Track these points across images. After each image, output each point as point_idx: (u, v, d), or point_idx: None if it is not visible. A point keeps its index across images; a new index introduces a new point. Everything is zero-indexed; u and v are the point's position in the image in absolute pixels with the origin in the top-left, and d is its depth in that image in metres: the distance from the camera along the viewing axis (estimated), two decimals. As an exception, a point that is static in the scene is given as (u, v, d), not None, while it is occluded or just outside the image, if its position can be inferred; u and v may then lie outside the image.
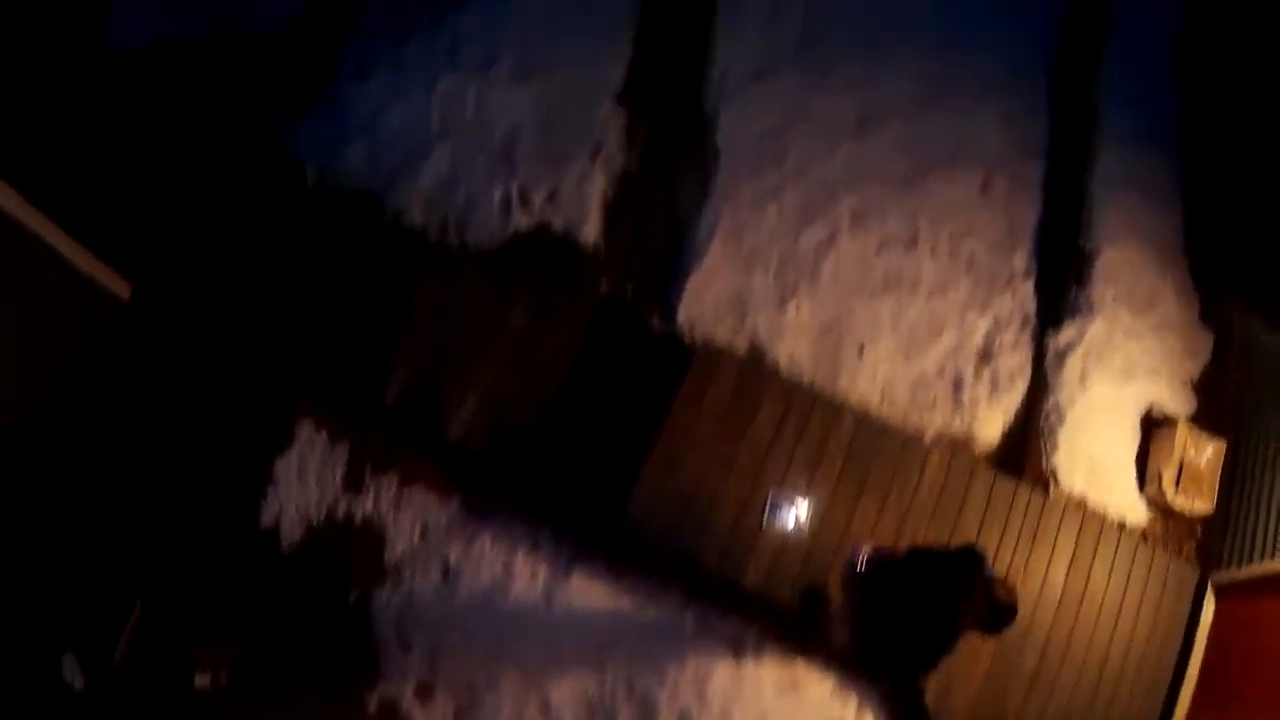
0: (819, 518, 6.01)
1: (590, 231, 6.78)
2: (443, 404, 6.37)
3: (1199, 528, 6.44)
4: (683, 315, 6.59)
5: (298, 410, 6.38)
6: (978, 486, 6.11)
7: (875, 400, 6.51)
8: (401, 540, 6.18)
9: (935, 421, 6.51)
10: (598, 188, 6.87)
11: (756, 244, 6.77)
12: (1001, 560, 5.97)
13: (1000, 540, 6.04)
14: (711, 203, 6.84)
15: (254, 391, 6.41)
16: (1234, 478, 6.37)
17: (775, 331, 6.60)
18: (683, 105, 7.19)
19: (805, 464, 6.09)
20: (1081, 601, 5.99)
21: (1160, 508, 6.41)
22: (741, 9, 7.37)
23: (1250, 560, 5.93)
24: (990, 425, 6.53)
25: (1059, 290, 6.87)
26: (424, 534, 6.19)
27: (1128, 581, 6.03)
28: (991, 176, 7.06)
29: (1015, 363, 6.65)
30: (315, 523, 6.21)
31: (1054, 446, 6.43)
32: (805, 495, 6.02)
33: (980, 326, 6.70)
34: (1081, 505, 6.28)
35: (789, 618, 6.02)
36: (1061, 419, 6.49)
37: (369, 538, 6.18)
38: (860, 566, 5.11)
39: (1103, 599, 5.99)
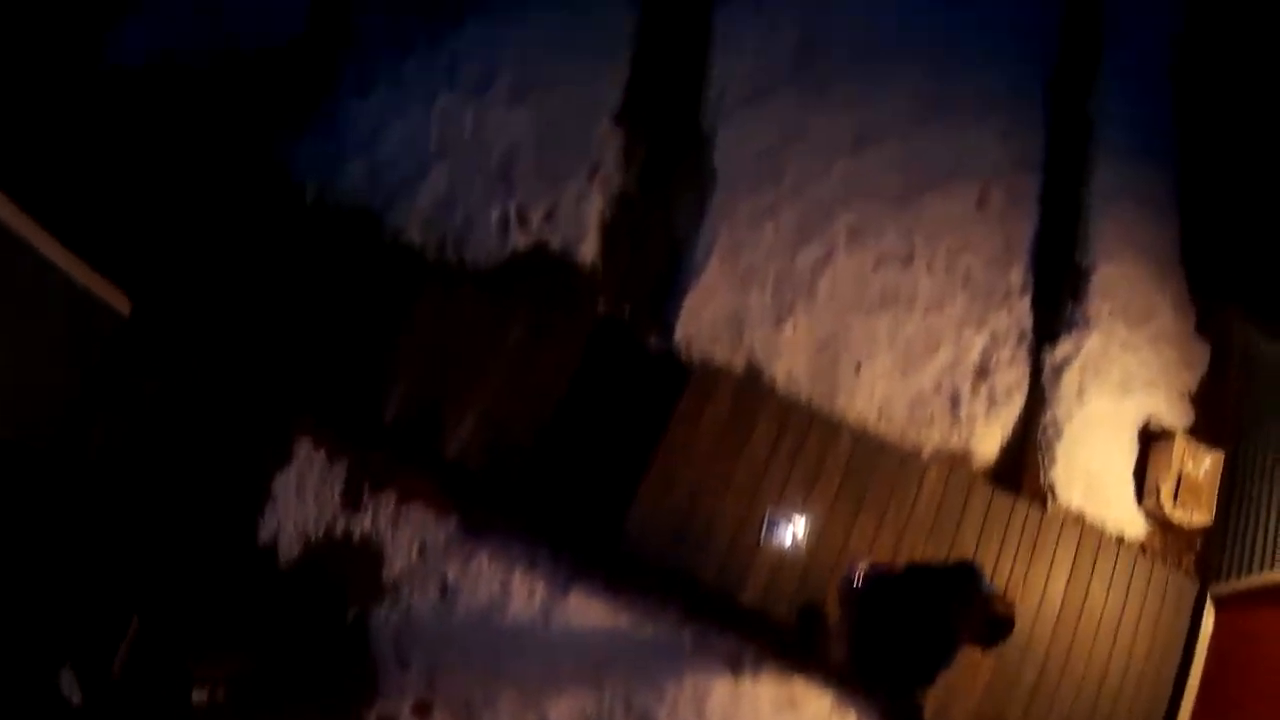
0: (816, 535, 6.00)
1: (588, 251, 6.81)
2: (441, 422, 6.38)
3: (1198, 540, 6.43)
4: (680, 334, 6.61)
5: (297, 428, 6.40)
6: (975, 502, 6.10)
7: (872, 417, 6.53)
8: (399, 558, 6.19)
9: (933, 438, 6.52)
10: (595, 207, 6.90)
11: (753, 262, 6.80)
12: (1000, 575, 5.96)
13: (998, 555, 6.02)
14: (709, 221, 6.88)
15: (253, 408, 6.43)
16: (1233, 488, 6.36)
17: (772, 349, 6.61)
18: (680, 125, 7.23)
19: (802, 481, 6.09)
20: (1080, 615, 5.97)
21: (1159, 520, 6.41)
22: (738, 28, 7.42)
23: (1250, 571, 5.92)
24: (988, 441, 6.54)
25: (1056, 305, 6.89)
26: (422, 552, 6.20)
27: (1126, 595, 6.01)
28: (988, 192, 7.09)
29: (1012, 378, 6.66)
30: (314, 540, 6.22)
31: (1051, 461, 6.44)
32: (802, 512, 6.02)
33: (977, 342, 6.72)
34: (1080, 519, 6.27)
35: (787, 635, 6.00)
36: (1059, 433, 6.49)
37: (367, 555, 6.19)
38: (857, 582, 5.11)
39: (1102, 613, 5.98)
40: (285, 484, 6.29)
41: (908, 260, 6.88)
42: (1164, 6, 7.73)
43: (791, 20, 7.45)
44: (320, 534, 6.22)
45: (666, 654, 6.09)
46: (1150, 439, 6.58)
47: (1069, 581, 6.02)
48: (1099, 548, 6.11)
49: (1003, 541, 6.05)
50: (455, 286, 6.68)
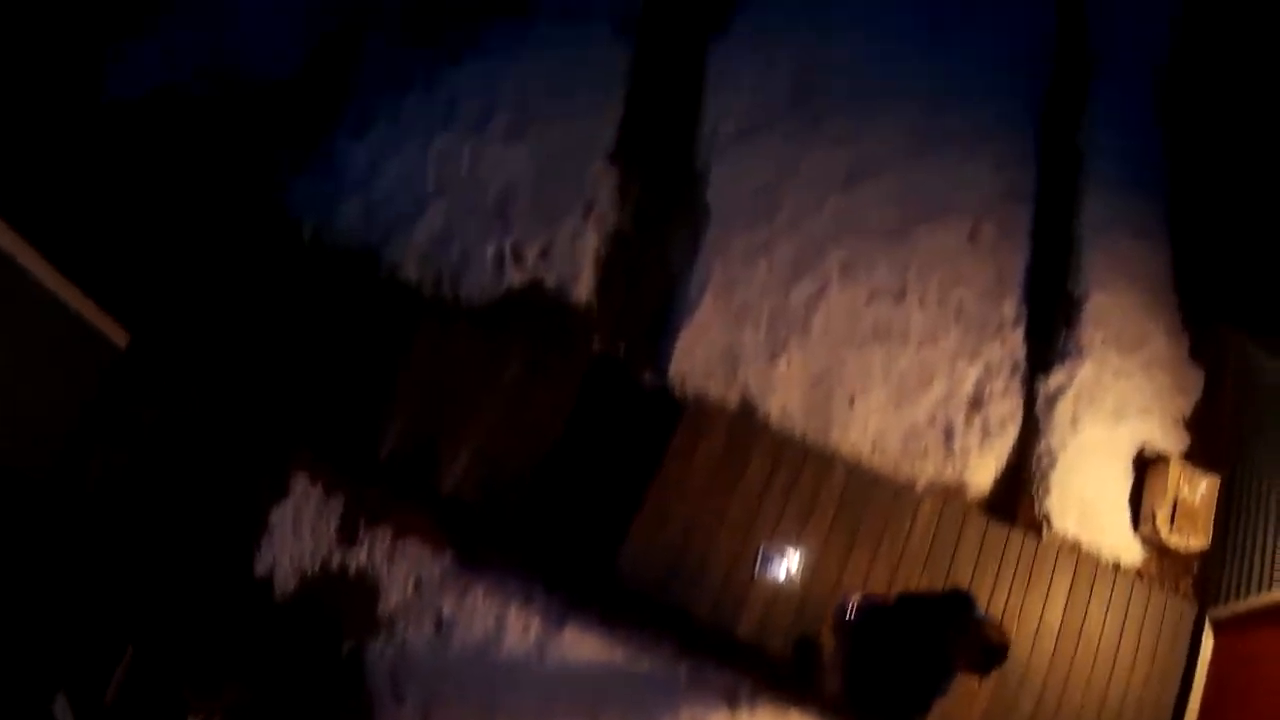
0: (811, 568, 5.99)
1: (583, 289, 6.88)
2: (437, 458, 6.41)
3: (1195, 564, 6.42)
4: (674, 370, 6.65)
5: (294, 462, 6.43)
6: (970, 533, 6.09)
7: (867, 451, 6.54)
8: (395, 592, 6.19)
9: (927, 470, 6.53)
10: (590, 245, 6.98)
11: (747, 299, 6.86)
12: (996, 605, 5.93)
13: (994, 586, 6.00)
14: (702, 258, 6.95)
15: (250, 441, 6.47)
16: (1230, 511, 6.36)
17: (766, 385, 6.65)
18: (675, 162, 7.33)
19: (797, 516, 6.09)
20: (1078, 643, 5.93)
21: (1155, 546, 6.40)
22: (733, 65, 7.57)
23: (1249, 593, 5.89)
24: (982, 472, 6.54)
25: (1048, 335, 6.93)
26: (417, 586, 6.20)
27: (1124, 621, 5.98)
28: (980, 225, 7.16)
29: (1006, 409, 6.68)
30: (309, 573, 6.23)
31: (1046, 490, 6.45)
32: (797, 546, 6.01)
33: (970, 375, 6.75)
34: (1075, 547, 6.27)
35: (782, 668, 5.97)
36: (1053, 463, 6.51)
37: (363, 589, 6.19)
38: (850, 614, 5.11)
39: (1099, 640, 5.94)
40: (282, 517, 6.31)
41: (900, 294, 6.93)
42: (1151, 40, 7.87)
43: (786, 57, 7.59)
44: (316, 567, 6.23)
45: (662, 688, 6.06)
46: (1145, 465, 6.59)
47: (1066, 610, 5.99)
48: (1095, 575, 6.08)
49: (998, 572, 6.03)
50: (451, 323, 6.74)
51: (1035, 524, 6.38)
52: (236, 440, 6.48)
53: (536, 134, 7.23)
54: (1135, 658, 5.93)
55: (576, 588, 6.21)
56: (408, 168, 7.09)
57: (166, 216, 6.92)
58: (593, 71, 7.46)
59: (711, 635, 6.00)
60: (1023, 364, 6.81)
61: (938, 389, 6.70)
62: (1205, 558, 6.39)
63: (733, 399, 6.61)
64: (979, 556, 6.05)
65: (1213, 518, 6.27)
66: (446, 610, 6.14)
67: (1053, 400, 6.67)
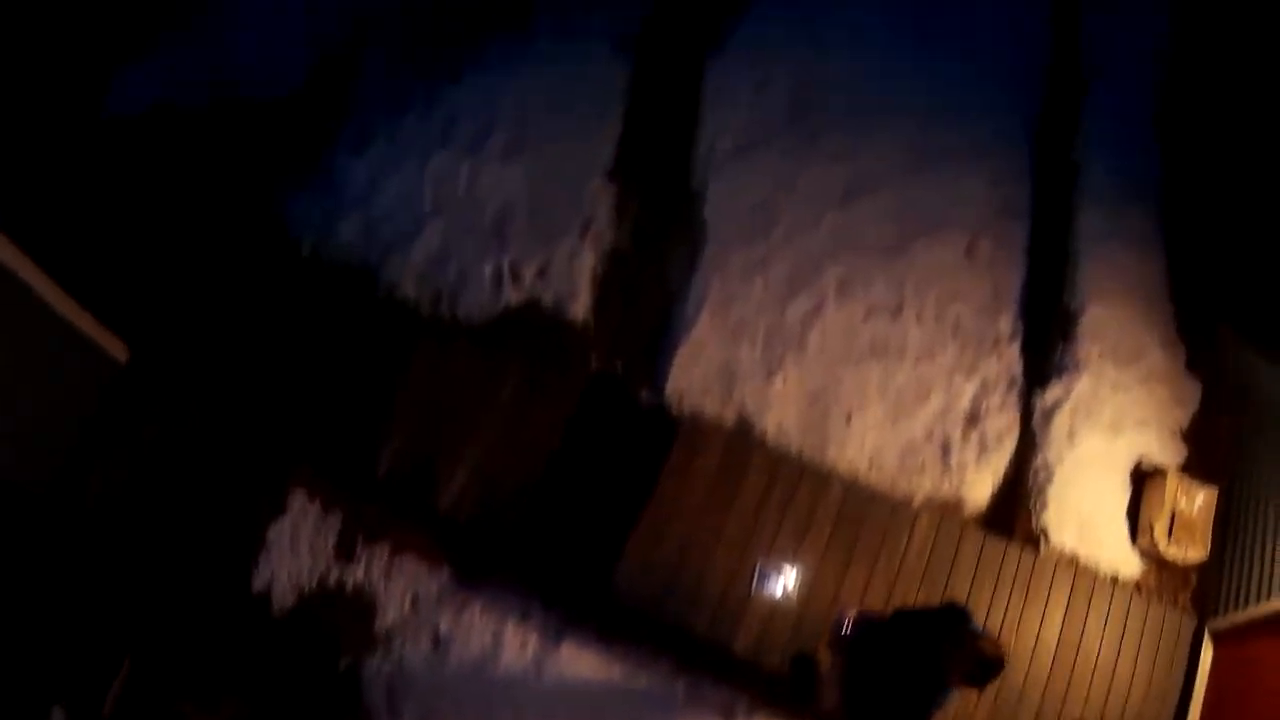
0: (808, 585, 5.99)
1: (580, 307, 6.91)
2: (435, 476, 6.43)
3: (1194, 576, 6.40)
4: (671, 388, 6.67)
5: (292, 479, 6.46)
6: (967, 548, 6.08)
7: (864, 467, 6.55)
8: (392, 609, 6.20)
9: (924, 486, 6.53)
10: (588, 263, 7.02)
11: (744, 316, 6.88)
12: (994, 620, 5.92)
13: (992, 601, 5.99)
14: (699, 275, 6.98)
15: (249, 458, 6.51)
16: (1228, 521, 6.35)
17: (763, 402, 6.67)
18: (673, 179, 7.37)
19: (794, 532, 6.10)
20: (1077, 657, 5.91)
21: (1154, 559, 6.39)
22: (730, 82, 7.62)
23: (1248, 604, 5.86)
24: (979, 487, 6.54)
25: (1045, 349, 6.93)
26: (415, 603, 6.21)
27: (1123, 635, 5.96)
28: (977, 240, 7.18)
29: (1003, 424, 6.67)
30: (307, 590, 6.25)
31: (1043, 505, 6.44)
32: (794, 563, 6.01)
33: (967, 390, 6.75)
34: (1073, 561, 6.26)
35: (780, 684, 5.95)
36: (1050, 477, 6.51)
37: (360, 606, 6.21)
38: (846, 629, 5.10)
39: (1098, 654, 5.92)
40: (280, 533, 6.33)
41: (897, 310, 6.95)
42: (1145, 54, 7.90)
43: (783, 74, 7.65)
44: (314, 584, 6.25)
45: (660, 705, 6.06)
46: (1143, 477, 6.58)
47: (1064, 623, 5.98)
48: (1093, 589, 6.07)
49: (996, 587, 6.02)
50: (449, 341, 6.78)
51: (1033, 538, 6.38)
52: (235, 456, 6.51)
53: (534, 152, 7.29)
54: (1134, 671, 5.90)
55: (573, 605, 6.21)
56: (406, 186, 7.15)
57: (167, 232, 6.99)
58: (591, 89, 7.52)
59: (708, 652, 5.99)
60: (1019, 378, 6.81)
61: (935, 404, 6.70)
62: (1204, 569, 6.37)
63: (729, 416, 6.63)
64: (977, 571, 6.04)
65: (1211, 529, 6.26)
66: (444, 627, 6.15)
67: (1050, 414, 6.67)
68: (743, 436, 6.50)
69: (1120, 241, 7.17)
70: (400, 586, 6.24)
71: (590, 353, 6.84)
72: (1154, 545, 6.24)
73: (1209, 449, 6.71)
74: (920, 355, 6.84)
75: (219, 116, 7.33)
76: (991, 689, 5.46)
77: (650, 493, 6.14)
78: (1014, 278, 7.10)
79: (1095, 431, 6.63)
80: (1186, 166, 7.50)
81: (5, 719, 5.84)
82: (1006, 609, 5.99)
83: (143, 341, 6.66)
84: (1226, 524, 6.35)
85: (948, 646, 4.19)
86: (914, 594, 5.98)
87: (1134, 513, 6.51)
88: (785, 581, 5.97)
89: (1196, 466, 6.57)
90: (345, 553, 6.30)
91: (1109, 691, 5.86)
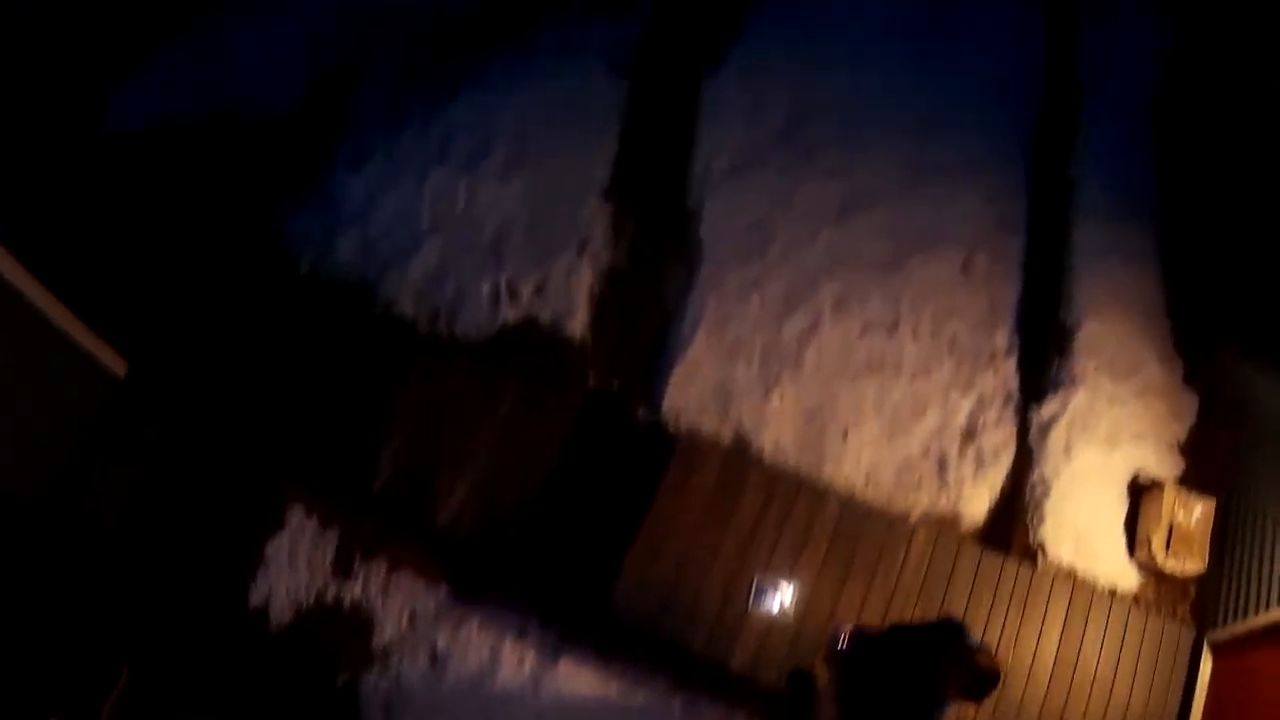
0: (805, 601, 5.98)
1: (577, 325, 6.94)
2: (432, 492, 6.44)
3: (1192, 588, 6.38)
4: (668, 406, 6.69)
5: (290, 495, 6.48)
6: (964, 563, 6.07)
7: (860, 483, 6.56)
8: (390, 625, 6.20)
9: (921, 501, 6.53)
10: (585, 281, 7.06)
11: (740, 334, 6.92)
12: (992, 635, 5.91)
13: (990, 616, 5.97)
14: (696, 294, 7.02)
15: (247, 474, 6.53)
16: (1226, 533, 6.33)
17: (760, 419, 6.68)
18: (669, 198, 7.40)
19: (790, 549, 6.09)
20: (1075, 671, 5.89)
21: (1152, 571, 6.37)
22: (726, 100, 7.67)
23: (1247, 615, 5.83)
24: (976, 502, 6.53)
25: (1042, 364, 6.94)
26: (412, 620, 6.21)
27: (1121, 648, 5.94)
28: (973, 256, 7.21)
29: (999, 439, 6.68)
30: (304, 606, 6.26)
31: (1040, 519, 6.44)
32: (790, 579, 6.00)
33: (964, 406, 6.76)
34: (1071, 575, 6.26)
35: (777, 700, 5.94)
36: (1047, 491, 6.50)
37: (358, 622, 6.21)
38: (842, 644, 5.10)
39: (1097, 667, 5.89)
40: (277, 549, 6.35)
41: (893, 326, 6.97)
42: (1141, 70, 7.95)
43: (778, 91, 7.71)
44: (311, 600, 6.26)
45: (657, 722, 6.06)
46: (1140, 491, 6.57)
47: (1063, 638, 5.95)
48: (1091, 602, 6.05)
49: (993, 602, 6.00)
50: (447, 359, 6.81)
51: (1030, 553, 6.37)
52: (233, 472, 6.53)
53: (532, 170, 7.35)
54: (1133, 683, 5.88)
55: (571, 621, 6.21)
56: (405, 202, 7.21)
57: (167, 248, 7.05)
58: (588, 108, 7.58)
59: (706, 668, 5.98)
60: (1016, 393, 6.82)
61: (931, 420, 6.71)
62: (1202, 581, 6.35)
63: (726, 434, 6.64)
64: (974, 586, 6.03)
65: (1208, 541, 6.24)
66: (441, 643, 6.15)
67: (1046, 429, 6.67)
68: (739, 454, 6.52)
69: (1117, 256, 7.20)
70: (398, 602, 6.24)
71: (587, 371, 6.87)
72: (1152, 558, 6.23)
73: (1206, 462, 6.70)
74: (916, 371, 6.85)
75: (218, 132, 7.40)
76: (989, 704, 5.53)
77: (647, 510, 6.13)
78: (1010, 293, 7.12)
79: (1092, 445, 6.63)
80: (1182, 181, 7.53)
81: None
82: (1004, 624, 5.97)
83: (142, 356, 6.70)
84: (1224, 536, 6.33)
85: (944, 661, 4.20)
86: (911, 609, 5.97)
87: (1131, 526, 6.50)
88: (782, 598, 5.96)
89: (1194, 479, 6.57)
90: (343, 568, 6.31)
91: (1108, 705, 5.83)
